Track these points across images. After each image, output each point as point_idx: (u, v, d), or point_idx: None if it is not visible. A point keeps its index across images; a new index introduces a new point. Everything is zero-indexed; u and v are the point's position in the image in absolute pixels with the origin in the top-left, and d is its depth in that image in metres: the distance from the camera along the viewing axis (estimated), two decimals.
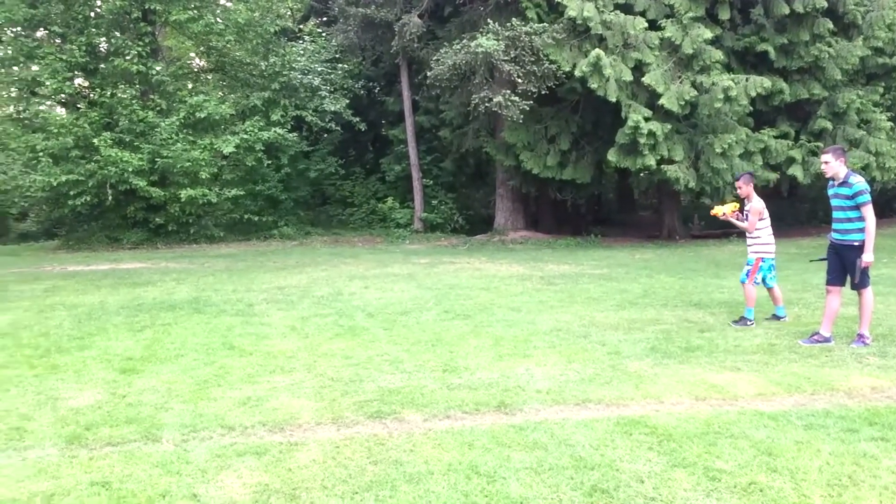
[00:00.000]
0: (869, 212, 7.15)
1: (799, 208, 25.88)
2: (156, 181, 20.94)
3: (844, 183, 7.26)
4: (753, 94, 17.44)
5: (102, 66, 21.59)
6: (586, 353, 7.36)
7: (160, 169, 20.70)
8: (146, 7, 21.03)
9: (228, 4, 24.02)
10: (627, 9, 18.29)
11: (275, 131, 22.23)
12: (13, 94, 23.02)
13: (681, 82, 17.40)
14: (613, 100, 17.18)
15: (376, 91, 27.40)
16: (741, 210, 8.59)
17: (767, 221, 8.65)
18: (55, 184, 19.50)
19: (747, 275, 8.61)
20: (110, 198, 20.57)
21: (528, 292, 11.66)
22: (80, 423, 5.42)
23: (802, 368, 6.56)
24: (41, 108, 22.94)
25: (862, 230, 7.21)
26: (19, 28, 21.22)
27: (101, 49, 22.11)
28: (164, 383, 6.49)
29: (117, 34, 21.37)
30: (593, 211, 27.05)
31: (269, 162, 23.86)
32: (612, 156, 17.94)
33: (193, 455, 4.73)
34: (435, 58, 19.56)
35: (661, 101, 17.03)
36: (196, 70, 25.70)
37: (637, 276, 13.14)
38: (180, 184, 21.09)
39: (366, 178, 27.19)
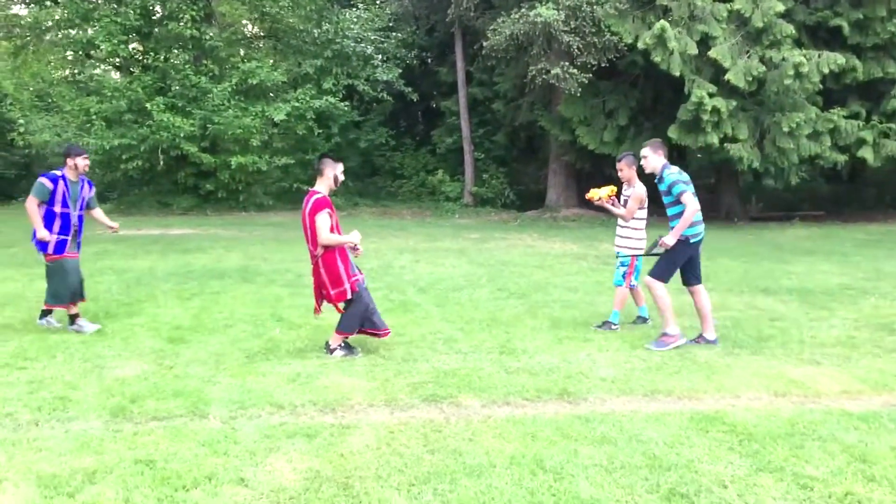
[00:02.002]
0: (688, 198, 6.52)
1: (864, 192, 24.89)
2: (206, 147, 20.93)
3: (660, 178, 6.70)
4: (826, 71, 16.61)
5: (157, 30, 21.57)
6: (650, 339, 6.98)
7: (211, 135, 20.66)
8: None
9: None
10: None
11: (326, 100, 22.01)
12: (69, 57, 23.09)
13: (749, 57, 16.65)
14: (677, 74, 16.51)
15: (429, 61, 26.99)
16: (619, 195, 7.66)
17: (645, 212, 7.72)
18: (108, 147, 19.58)
19: (623, 277, 7.64)
20: (162, 163, 20.64)
21: (583, 272, 11.29)
22: (125, 394, 5.24)
23: (888, 365, 6.11)
24: (96, 71, 23.00)
25: (693, 224, 6.66)
26: None
27: (156, 13, 22.02)
28: (211, 355, 6.30)
29: None
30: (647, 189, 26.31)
31: (320, 131, 23.66)
32: (672, 133, 17.29)
33: (241, 434, 4.51)
34: (491, 27, 19.06)
35: (728, 76, 16.32)
36: (249, 36, 25.54)
37: None
38: (231, 151, 21.04)
39: (416, 150, 26.86)
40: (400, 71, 24.00)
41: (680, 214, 6.62)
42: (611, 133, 18.97)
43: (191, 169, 21.31)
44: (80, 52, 22.24)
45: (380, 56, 23.78)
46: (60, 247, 7.15)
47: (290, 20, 23.12)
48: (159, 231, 16.87)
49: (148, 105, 19.72)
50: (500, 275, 10.88)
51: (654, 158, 6.73)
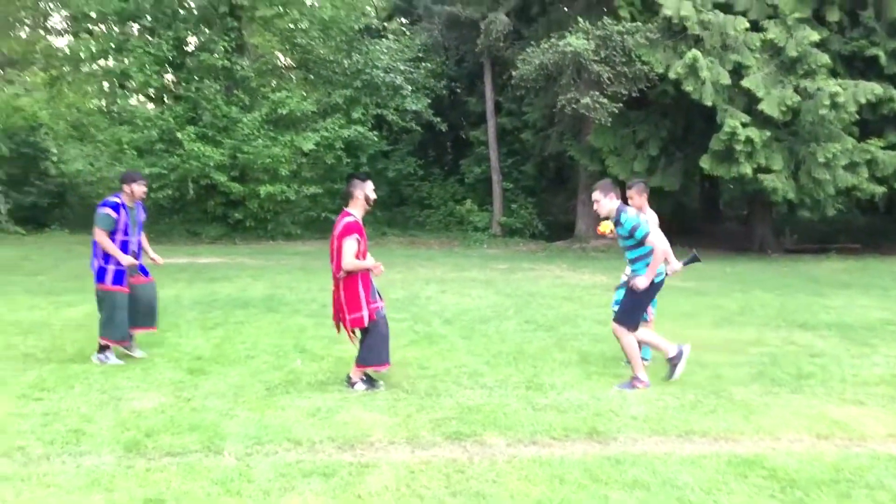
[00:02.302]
0: (655, 239, 6.19)
1: None
2: (236, 177, 20.99)
3: (617, 222, 6.30)
4: (863, 101, 16.28)
5: (189, 60, 21.79)
6: (684, 375, 6.71)
7: (241, 164, 20.74)
8: (233, 2, 21.13)
9: (314, 3, 23.94)
10: (727, 8, 17.31)
11: (355, 129, 22.04)
12: (104, 88, 23.41)
13: (783, 87, 16.37)
14: (709, 104, 16.26)
15: (458, 91, 26.97)
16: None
17: None
18: None
19: None
20: (191, 192, 20.70)
21: None
22: (140, 427, 5.11)
23: None
24: (131, 101, 23.27)
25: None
26: (111, 21, 21.58)
27: (189, 44, 22.30)
28: (231, 387, 6.16)
29: (205, 30, 21.50)
30: (678, 220, 25.88)
31: (349, 160, 23.63)
32: (704, 163, 17.02)
33: (256, 472, 4.34)
34: (521, 57, 19.00)
35: (761, 106, 16.04)
36: (280, 67, 25.77)
37: (730, 291, 12.32)
38: (260, 180, 21.08)
39: (444, 180, 26.73)
40: (429, 101, 23.98)
41: (643, 256, 6.29)
42: (641, 163, 18.74)
43: (220, 198, 21.38)
44: (115, 83, 22.52)
45: (409, 86, 23.80)
46: (119, 277, 6.97)
47: (321, 51, 23.27)
48: (187, 260, 16.87)
49: (179, 134, 19.87)
50: (528, 306, 10.66)
51: (606, 202, 6.30)
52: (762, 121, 16.53)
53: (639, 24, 17.56)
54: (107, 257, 6.94)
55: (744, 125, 16.12)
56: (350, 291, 6.06)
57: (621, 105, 18.07)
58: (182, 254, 18.27)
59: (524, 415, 5.49)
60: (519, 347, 7.87)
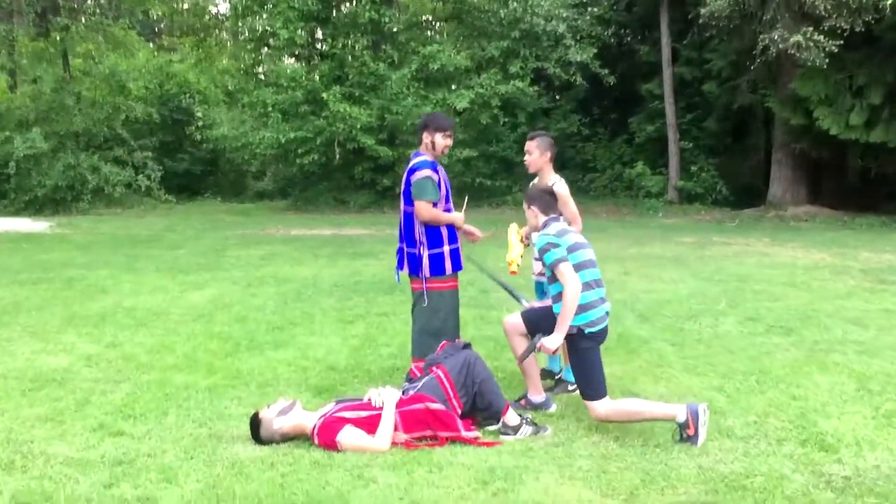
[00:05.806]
0: (565, 273, 4.17)
1: None
2: (384, 139, 19.65)
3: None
4: None
5: (335, 14, 20.54)
6: None
7: (389, 126, 19.40)
8: None
9: None
10: None
11: (513, 84, 20.09)
12: (249, 48, 22.63)
13: None
14: None
15: (628, 39, 24.30)
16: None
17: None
18: (283, 141, 18.75)
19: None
20: (338, 156, 19.57)
21: (857, 293, 8.55)
22: (236, 496, 3.43)
23: None
24: (275, 61, 22.45)
25: (586, 310, 4.25)
26: None
27: None
28: None
29: None
30: (890, 182, 22.10)
31: (505, 120, 21.76)
32: None
33: None
34: None
35: None
36: (431, 19, 24.11)
37: None
38: (410, 143, 19.56)
39: (610, 140, 24.25)
40: (595, 51, 21.46)
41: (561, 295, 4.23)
42: (860, 115, 15.59)
43: (368, 163, 20.14)
44: (259, 42, 21.69)
45: (572, 35, 21.44)
46: (458, 258, 4.99)
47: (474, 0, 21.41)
48: (331, 231, 15.63)
49: (324, 95, 18.68)
50: (742, 295, 8.39)
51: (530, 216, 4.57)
52: None
53: None
54: (435, 239, 4.90)
55: None
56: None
57: (841, 43, 14.95)
58: (327, 224, 17.17)
59: (820, 500, 3.38)
60: (756, 362, 5.72)
